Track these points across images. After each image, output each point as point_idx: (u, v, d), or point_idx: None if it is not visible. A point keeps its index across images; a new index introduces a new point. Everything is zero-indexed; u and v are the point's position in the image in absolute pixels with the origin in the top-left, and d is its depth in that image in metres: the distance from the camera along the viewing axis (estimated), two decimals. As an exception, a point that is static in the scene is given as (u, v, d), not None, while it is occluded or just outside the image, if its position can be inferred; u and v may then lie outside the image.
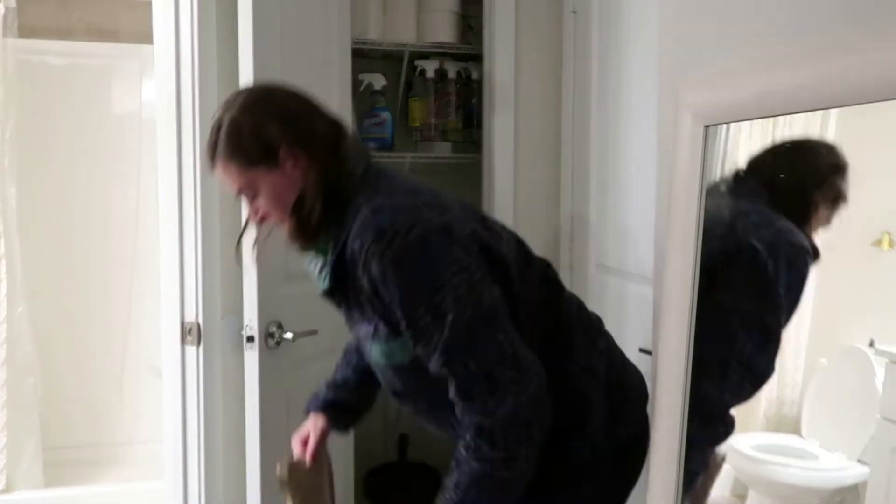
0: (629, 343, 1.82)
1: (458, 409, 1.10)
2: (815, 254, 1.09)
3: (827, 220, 1.06)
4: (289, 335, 1.69)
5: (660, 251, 1.15)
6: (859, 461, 2.71)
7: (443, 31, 2.44)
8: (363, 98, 2.46)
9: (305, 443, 1.39)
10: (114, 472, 2.84)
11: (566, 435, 1.18)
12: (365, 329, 1.19)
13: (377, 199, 1.12)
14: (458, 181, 2.64)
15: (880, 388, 2.62)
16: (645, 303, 1.73)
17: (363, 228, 1.09)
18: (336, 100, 2.03)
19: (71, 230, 2.91)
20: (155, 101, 1.87)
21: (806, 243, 1.11)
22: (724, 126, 1.01)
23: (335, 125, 1.22)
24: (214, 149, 1.16)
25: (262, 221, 1.23)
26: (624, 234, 1.87)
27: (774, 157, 1.06)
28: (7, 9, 2.49)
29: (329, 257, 1.17)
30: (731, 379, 1.20)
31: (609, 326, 2.01)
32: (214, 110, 1.16)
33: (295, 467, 1.34)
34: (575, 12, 2.20)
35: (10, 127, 2.51)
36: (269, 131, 1.14)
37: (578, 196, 2.19)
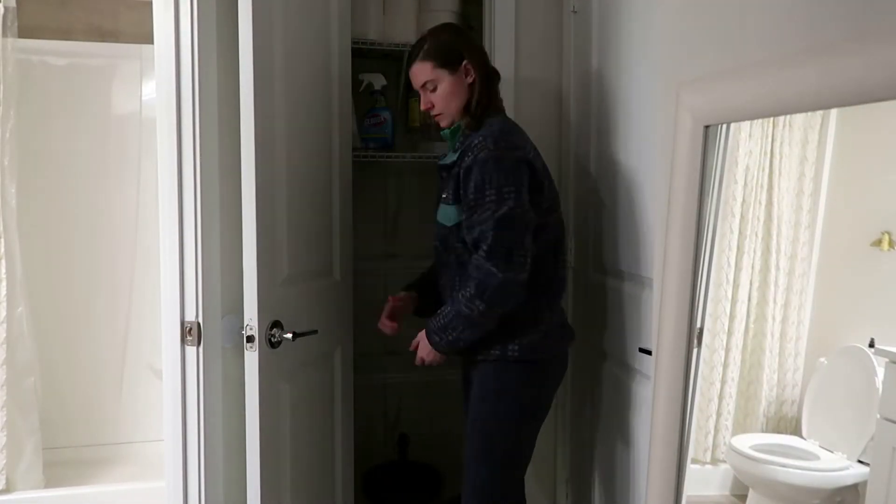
0: (629, 343, 1.83)
1: (470, 266, 1.63)
2: None
3: None
4: (289, 335, 1.69)
5: (660, 251, 1.15)
6: (859, 461, 2.71)
7: (443, 31, 2.43)
8: (363, 98, 2.46)
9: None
10: (114, 472, 2.84)
11: (518, 330, 1.71)
12: (443, 196, 1.76)
13: (507, 126, 1.73)
14: (458, 181, 2.65)
15: (880, 388, 2.62)
16: (645, 303, 1.73)
17: (490, 132, 1.67)
18: (336, 100, 2.03)
19: (71, 230, 2.91)
20: (155, 101, 1.86)
21: None
22: (724, 126, 1.01)
23: (496, 71, 1.83)
24: (419, 50, 1.76)
25: (428, 110, 1.80)
26: (624, 234, 1.87)
27: None
28: (7, 9, 2.49)
29: (457, 144, 1.77)
30: None
31: (609, 326, 2.02)
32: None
33: None
34: (575, 12, 2.20)
35: (10, 127, 2.51)
36: (462, 46, 1.76)
37: (578, 196, 2.19)
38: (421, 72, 1.76)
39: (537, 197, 1.68)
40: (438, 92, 1.76)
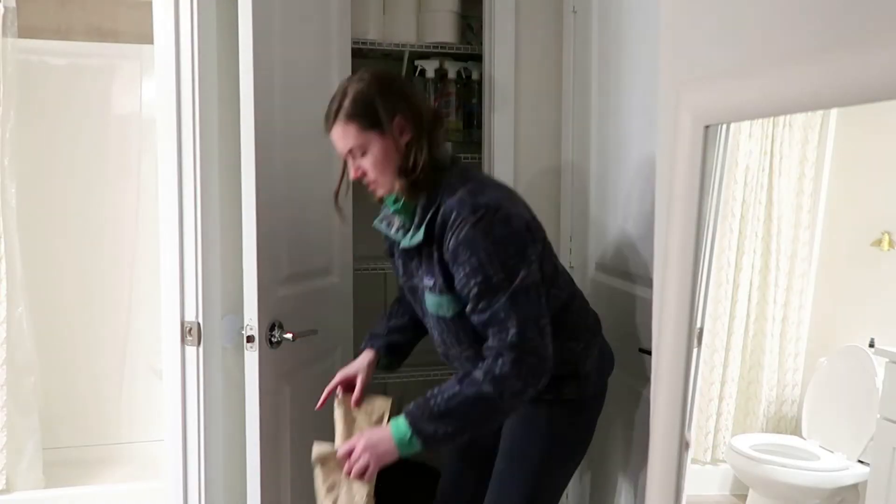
0: (629, 343, 1.82)
1: (490, 350, 1.37)
2: None
3: None
4: (289, 335, 1.69)
5: (660, 251, 1.15)
6: (859, 461, 2.70)
7: (443, 31, 2.44)
8: (363, 98, 2.46)
9: (349, 382, 1.59)
10: (114, 472, 2.84)
11: (562, 379, 1.50)
12: (425, 282, 1.48)
13: (471, 185, 1.42)
14: (458, 181, 2.65)
15: (880, 388, 2.61)
16: (645, 303, 1.73)
17: (461, 204, 1.38)
18: (336, 100, 2.03)
19: (71, 230, 2.91)
20: (155, 101, 1.86)
21: None
22: (724, 126, 1.01)
23: (437, 115, 1.52)
24: (338, 111, 1.43)
25: (358, 179, 1.48)
26: (624, 235, 1.87)
27: None
28: (7, 9, 2.49)
29: (417, 220, 1.46)
30: None
31: (609, 326, 2.01)
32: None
33: (326, 457, 1.46)
34: (575, 12, 2.20)
35: (10, 127, 2.51)
36: (389, 102, 1.42)
37: (578, 196, 2.19)
38: (345, 136, 1.43)
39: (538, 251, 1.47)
40: (369, 158, 1.44)
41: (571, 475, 1.66)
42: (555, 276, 1.53)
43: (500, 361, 1.35)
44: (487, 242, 1.36)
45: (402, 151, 1.43)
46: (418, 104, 1.47)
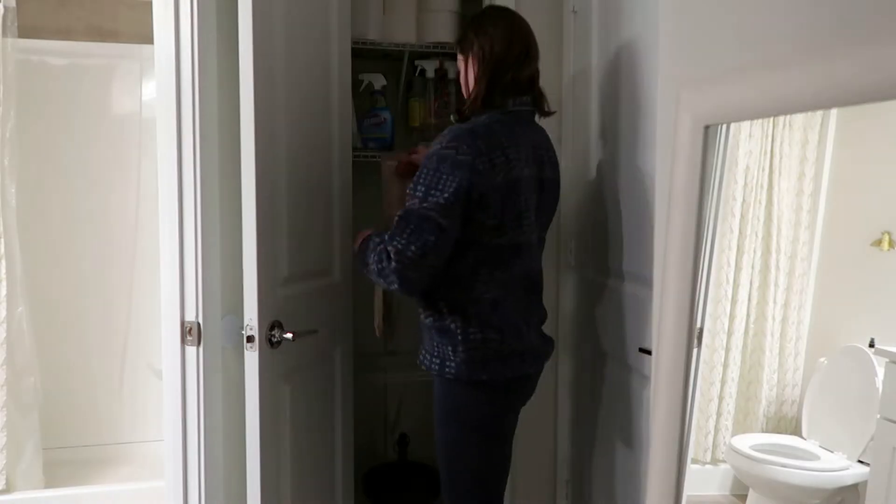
0: (629, 343, 1.83)
1: (387, 236, 1.54)
2: None
3: None
4: (289, 335, 1.69)
5: (660, 251, 1.15)
6: (859, 461, 2.70)
7: (443, 31, 2.44)
8: (363, 98, 2.46)
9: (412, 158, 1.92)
10: (114, 472, 2.84)
11: (454, 344, 1.62)
12: None
13: (484, 126, 1.58)
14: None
15: (880, 388, 2.61)
16: (644, 303, 1.74)
17: (456, 129, 1.57)
18: (336, 100, 2.03)
19: (71, 230, 2.91)
20: (155, 101, 1.86)
21: None
22: (724, 126, 1.01)
23: (513, 64, 1.64)
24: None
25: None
26: (624, 235, 1.87)
27: None
28: (7, 9, 2.49)
29: None
30: None
31: (609, 326, 2.01)
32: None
33: None
34: (575, 12, 2.20)
35: (10, 127, 2.51)
36: (471, 38, 1.66)
37: (578, 195, 2.19)
38: None
39: (479, 214, 1.55)
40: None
41: (491, 458, 1.70)
42: (487, 253, 1.61)
43: (385, 241, 1.53)
44: (433, 166, 1.53)
45: (471, 80, 1.67)
46: (494, 49, 1.63)
